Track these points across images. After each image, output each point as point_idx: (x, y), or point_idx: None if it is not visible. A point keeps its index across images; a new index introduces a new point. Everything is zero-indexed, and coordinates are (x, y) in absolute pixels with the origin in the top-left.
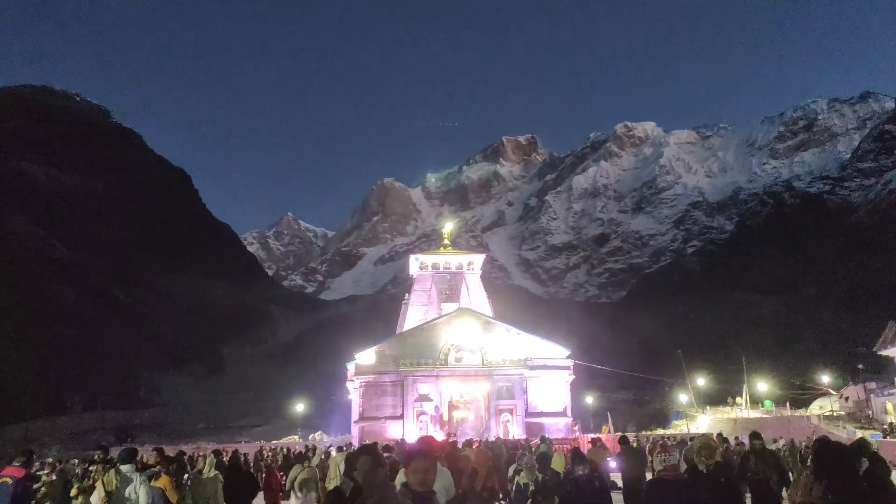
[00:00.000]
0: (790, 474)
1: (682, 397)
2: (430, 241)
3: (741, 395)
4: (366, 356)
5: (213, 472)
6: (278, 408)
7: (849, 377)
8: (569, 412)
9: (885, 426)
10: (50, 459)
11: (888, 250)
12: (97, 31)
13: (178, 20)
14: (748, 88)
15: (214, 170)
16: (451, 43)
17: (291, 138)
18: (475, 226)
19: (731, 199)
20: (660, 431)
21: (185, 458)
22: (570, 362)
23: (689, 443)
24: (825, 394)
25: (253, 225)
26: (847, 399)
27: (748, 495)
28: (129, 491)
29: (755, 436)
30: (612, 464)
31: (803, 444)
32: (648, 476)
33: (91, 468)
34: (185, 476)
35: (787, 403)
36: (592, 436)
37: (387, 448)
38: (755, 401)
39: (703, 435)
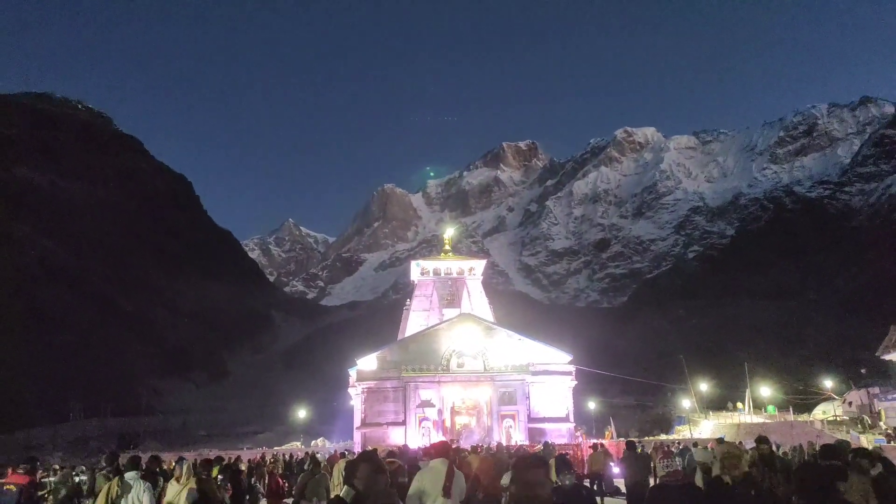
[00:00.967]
0: None
1: (685, 402)
2: (430, 246)
3: (743, 400)
4: (367, 362)
5: (188, 482)
6: (280, 414)
7: (851, 382)
8: (571, 417)
9: (889, 431)
10: (56, 466)
11: (889, 254)
12: (99, 39)
13: (180, 27)
14: (748, 94)
15: (215, 176)
16: (452, 50)
17: (292, 144)
18: (476, 231)
19: (732, 204)
20: (662, 437)
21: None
22: (572, 368)
23: (693, 448)
24: (828, 398)
25: (254, 231)
26: (850, 404)
27: None
28: (131, 498)
29: (762, 440)
30: (616, 469)
31: (807, 449)
32: (652, 482)
33: (97, 475)
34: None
35: (790, 408)
36: (594, 441)
37: (391, 454)
38: (758, 406)
39: (725, 441)
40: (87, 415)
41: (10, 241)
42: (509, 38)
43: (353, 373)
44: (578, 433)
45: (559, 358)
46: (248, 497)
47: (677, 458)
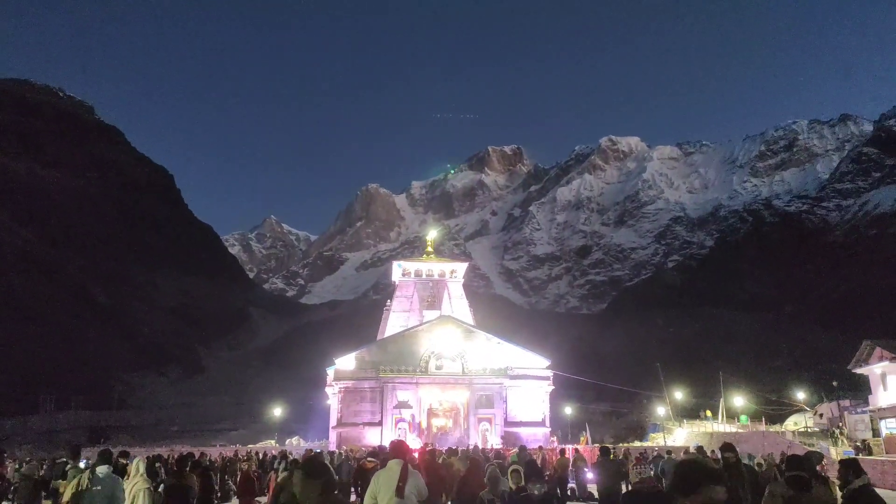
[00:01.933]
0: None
1: (660, 410)
2: (413, 248)
3: (717, 410)
4: (346, 362)
5: (137, 478)
6: (255, 412)
7: (823, 394)
8: (547, 422)
9: (857, 443)
10: (29, 458)
11: (864, 270)
12: (80, 27)
13: (164, 18)
14: (731, 107)
15: (197, 170)
16: (440, 53)
17: (276, 140)
18: (459, 234)
19: (712, 216)
20: (637, 444)
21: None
22: (549, 373)
23: (667, 456)
24: (800, 410)
25: (235, 226)
26: (821, 416)
27: None
28: (102, 493)
29: (727, 448)
30: (590, 474)
31: (778, 459)
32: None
33: (67, 468)
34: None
35: (763, 418)
36: (561, 447)
37: (372, 454)
38: (731, 415)
39: (690, 453)
40: (58, 407)
41: None
42: (497, 44)
43: (330, 372)
44: (553, 438)
45: (537, 363)
46: (219, 494)
47: (650, 466)
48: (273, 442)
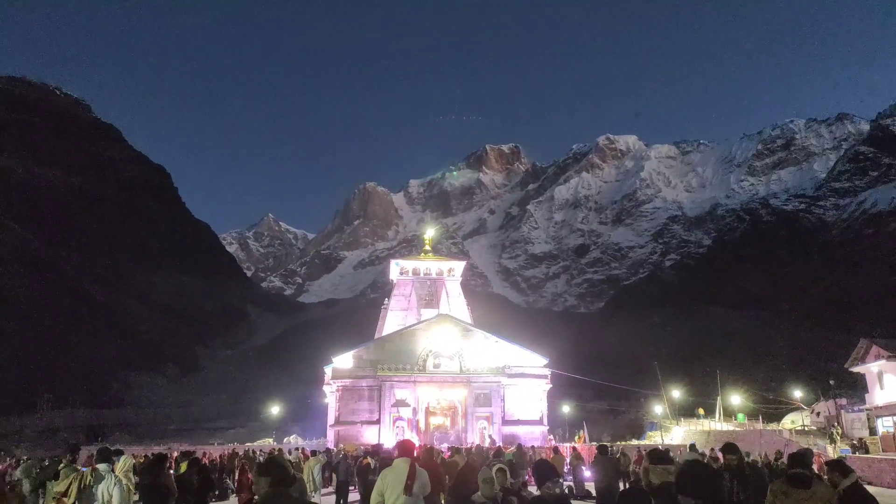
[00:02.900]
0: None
1: (657, 408)
2: (411, 246)
3: (715, 408)
4: (343, 360)
5: (120, 474)
6: (253, 410)
7: (820, 392)
8: (545, 421)
9: (854, 441)
10: (26, 457)
11: (861, 269)
12: (78, 25)
13: (161, 16)
14: (729, 106)
15: (195, 168)
16: (438, 52)
17: (274, 138)
18: (456, 233)
19: (709, 214)
20: (634, 442)
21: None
22: (547, 371)
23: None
24: (797, 408)
25: (232, 225)
26: (818, 414)
27: None
28: (101, 490)
29: (730, 449)
30: (587, 473)
31: (773, 457)
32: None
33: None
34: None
35: (760, 417)
36: (556, 445)
37: (367, 453)
38: (728, 413)
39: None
40: (55, 406)
41: None
42: (496, 42)
43: (328, 370)
44: (551, 437)
45: (535, 361)
46: (216, 493)
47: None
48: (271, 440)
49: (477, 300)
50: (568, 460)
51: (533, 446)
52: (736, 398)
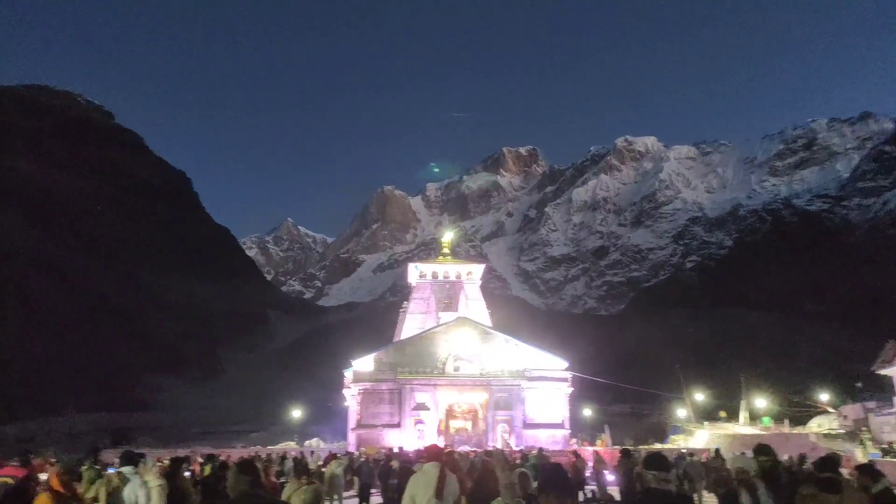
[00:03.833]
0: None
1: (680, 412)
2: (429, 249)
3: (738, 411)
4: (364, 363)
5: (150, 475)
6: (274, 414)
7: (847, 395)
8: (567, 424)
9: (883, 445)
10: (54, 459)
11: (886, 269)
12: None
13: (180, 22)
14: (749, 106)
15: (214, 173)
16: (455, 54)
17: (292, 144)
18: (475, 235)
19: (731, 215)
20: (657, 446)
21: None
22: (568, 374)
23: (689, 458)
24: (823, 411)
25: (252, 229)
26: (846, 417)
27: None
28: (128, 492)
29: (762, 450)
30: (610, 477)
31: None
32: None
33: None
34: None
35: (786, 420)
36: (592, 449)
37: (392, 455)
38: (753, 417)
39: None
40: (79, 409)
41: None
42: (513, 44)
43: (348, 374)
44: (573, 440)
45: (555, 364)
46: None
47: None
48: (293, 443)
49: (496, 303)
50: (591, 464)
51: (576, 453)
52: (761, 401)
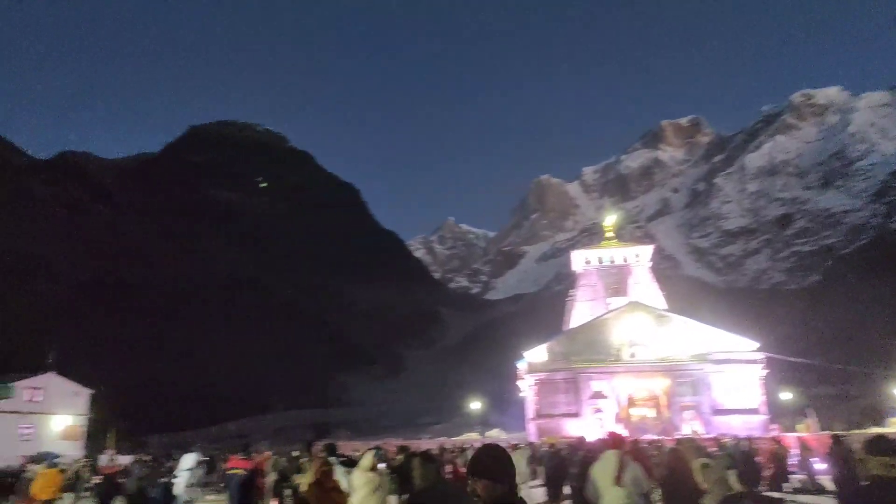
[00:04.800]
0: None
1: None
2: (591, 234)
3: None
4: (536, 354)
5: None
6: (454, 406)
7: None
8: (763, 409)
9: None
10: (268, 452)
11: None
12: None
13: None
14: None
15: (378, 181)
16: (600, 31)
17: (447, 144)
18: (638, 216)
19: None
20: (874, 430)
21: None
22: (759, 355)
23: None
24: None
25: (417, 231)
26: None
27: None
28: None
29: None
30: (820, 465)
31: None
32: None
33: (302, 460)
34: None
35: None
36: (796, 435)
37: (575, 445)
38: None
39: None
40: (286, 407)
41: (204, 256)
42: (663, 14)
43: (521, 365)
44: (773, 426)
45: (743, 345)
46: None
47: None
48: (476, 434)
49: (668, 284)
50: (796, 452)
51: (749, 437)
52: None
